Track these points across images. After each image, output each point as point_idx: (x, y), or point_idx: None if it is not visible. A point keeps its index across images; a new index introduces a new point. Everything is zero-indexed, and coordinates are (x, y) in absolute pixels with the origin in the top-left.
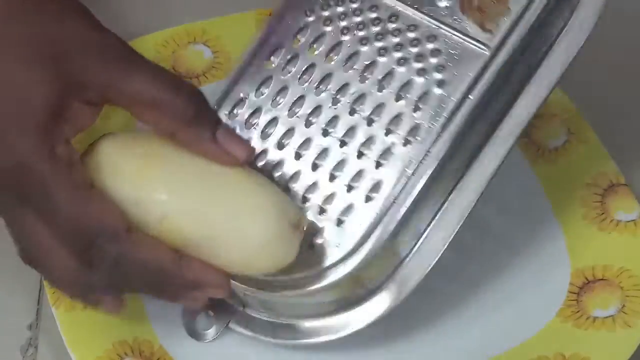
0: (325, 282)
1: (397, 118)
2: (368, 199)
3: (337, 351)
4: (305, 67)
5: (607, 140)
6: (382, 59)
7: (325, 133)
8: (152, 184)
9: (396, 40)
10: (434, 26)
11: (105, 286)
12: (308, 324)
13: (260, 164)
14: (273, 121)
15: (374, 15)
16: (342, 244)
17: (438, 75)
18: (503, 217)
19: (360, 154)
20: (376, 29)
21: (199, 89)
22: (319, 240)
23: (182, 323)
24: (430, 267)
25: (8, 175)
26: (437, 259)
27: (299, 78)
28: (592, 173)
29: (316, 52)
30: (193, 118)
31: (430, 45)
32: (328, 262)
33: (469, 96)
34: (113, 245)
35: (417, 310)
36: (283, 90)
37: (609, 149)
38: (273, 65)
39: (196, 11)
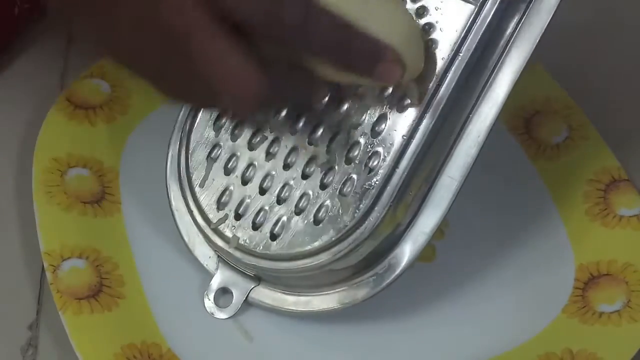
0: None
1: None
2: (369, 170)
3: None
4: None
5: (608, 135)
6: None
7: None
8: None
9: None
10: None
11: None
12: (322, 294)
13: None
14: None
15: None
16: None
17: (426, 35)
18: (505, 214)
19: (356, 125)
20: None
21: None
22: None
23: (201, 301)
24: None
25: None
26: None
27: None
28: (594, 169)
29: None
30: None
31: (415, 4)
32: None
33: (459, 53)
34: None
35: (425, 309)
36: None
37: (610, 145)
38: None
39: None
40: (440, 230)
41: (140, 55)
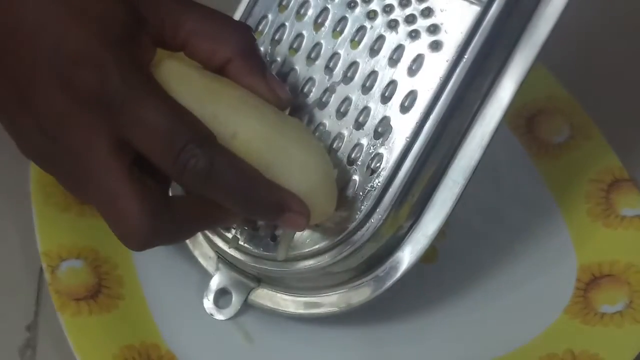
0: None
1: (392, 85)
2: (372, 172)
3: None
4: (293, 37)
5: (610, 135)
6: (371, 23)
7: (321, 105)
8: (226, 98)
9: (385, 2)
10: None
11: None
12: (322, 295)
13: None
14: None
15: None
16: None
17: (430, 37)
18: (506, 215)
19: (358, 126)
20: None
21: (250, 26)
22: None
23: (201, 302)
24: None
25: (87, 86)
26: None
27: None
28: (596, 169)
29: (304, 19)
30: (248, 50)
31: (420, 5)
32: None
33: (464, 55)
34: (206, 149)
35: (426, 310)
36: None
37: (612, 145)
38: None
39: None
40: (441, 232)
41: (44, 163)
